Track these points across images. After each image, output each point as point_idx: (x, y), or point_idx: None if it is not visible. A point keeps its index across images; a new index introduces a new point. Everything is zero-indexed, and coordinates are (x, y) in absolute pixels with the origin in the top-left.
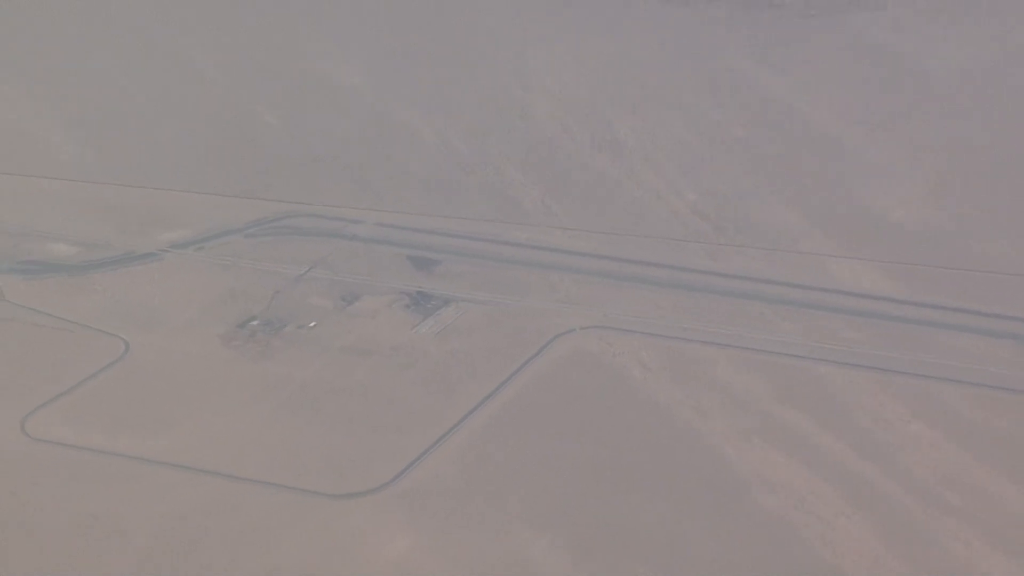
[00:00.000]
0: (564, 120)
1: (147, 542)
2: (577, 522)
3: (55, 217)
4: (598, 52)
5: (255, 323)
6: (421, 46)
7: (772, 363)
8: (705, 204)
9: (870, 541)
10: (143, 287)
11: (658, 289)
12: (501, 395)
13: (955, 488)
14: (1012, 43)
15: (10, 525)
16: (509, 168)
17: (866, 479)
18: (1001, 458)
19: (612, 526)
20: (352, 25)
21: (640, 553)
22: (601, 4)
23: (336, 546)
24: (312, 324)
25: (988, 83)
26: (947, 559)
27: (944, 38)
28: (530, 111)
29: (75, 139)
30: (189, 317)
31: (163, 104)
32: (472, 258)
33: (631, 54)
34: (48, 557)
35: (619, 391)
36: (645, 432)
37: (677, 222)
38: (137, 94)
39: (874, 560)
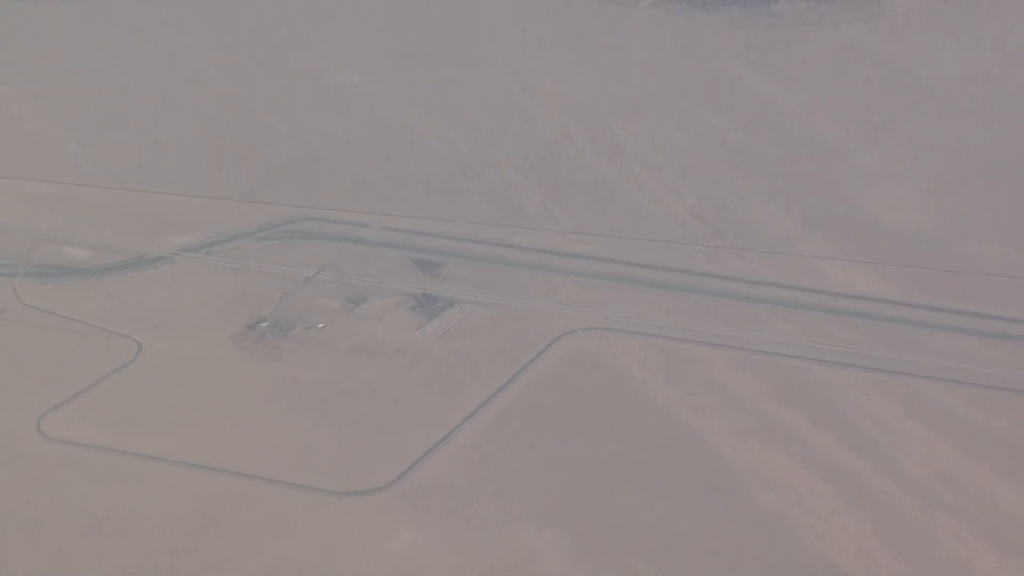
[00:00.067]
0: (565, 125)
1: (160, 537)
2: (577, 519)
3: (69, 222)
4: (598, 57)
5: (264, 325)
6: (424, 51)
7: (769, 363)
8: (703, 207)
9: (865, 537)
10: (155, 290)
11: (657, 291)
12: (504, 395)
13: (948, 485)
14: (1003, 50)
15: (26, 521)
16: (511, 172)
17: (861, 477)
18: (994, 456)
19: (612, 523)
20: (357, 32)
21: (639, 550)
22: (601, 10)
23: (342, 541)
24: (320, 326)
25: (978, 89)
26: (941, 554)
27: (936, 45)
28: (532, 116)
29: (87, 145)
30: (200, 319)
31: (172, 110)
32: (475, 261)
33: (631, 59)
34: (61, 552)
35: (619, 391)
36: (644, 431)
37: (676, 225)
38: (147, 101)
39: (869, 556)
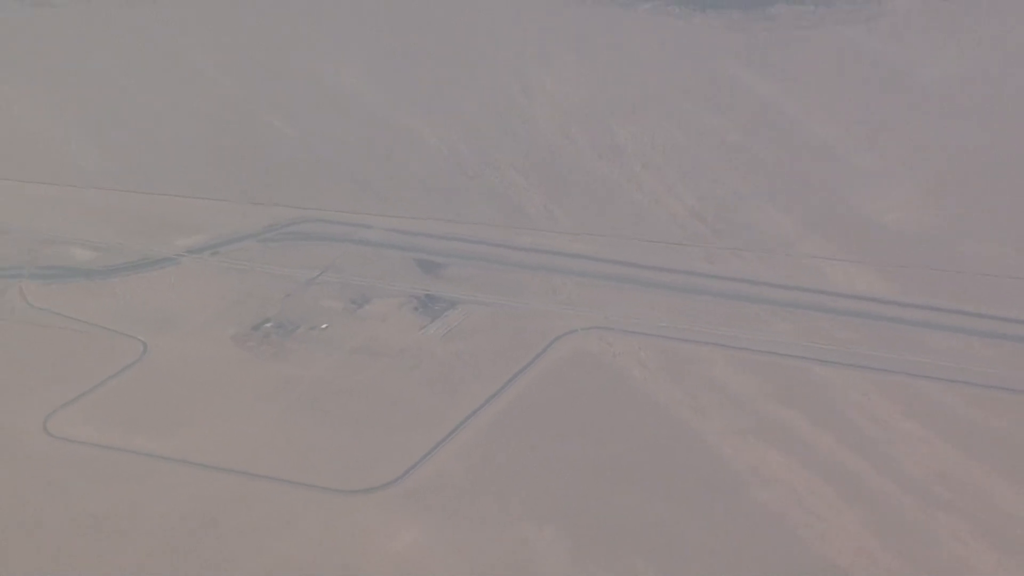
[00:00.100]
0: (565, 126)
1: (162, 535)
2: (578, 518)
3: (75, 223)
4: (598, 59)
5: (269, 325)
6: (426, 53)
7: (768, 363)
8: (703, 208)
9: (864, 536)
10: (160, 291)
11: (657, 291)
12: (505, 395)
13: (947, 484)
14: (1001, 51)
15: (28, 519)
16: (512, 173)
17: (860, 476)
18: (993, 455)
19: (612, 522)
20: (359, 34)
21: (639, 548)
22: (601, 12)
23: (344, 540)
24: (324, 326)
25: (976, 90)
26: (940, 553)
27: (934, 47)
28: (532, 117)
29: (92, 147)
30: (205, 320)
31: (175, 112)
32: (477, 261)
33: (631, 61)
34: (63, 549)
35: (619, 390)
36: (644, 431)
37: (676, 226)
38: (151, 103)
39: (868, 555)
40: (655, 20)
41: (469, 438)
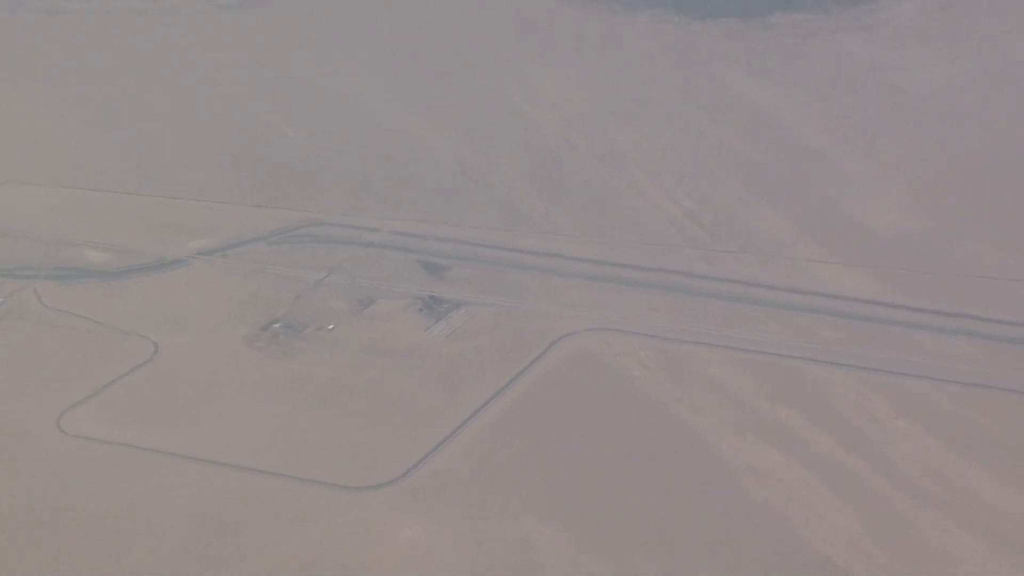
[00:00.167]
0: (567, 132)
1: (178, 529)
2: (579, 513)
3: (89, 226)
4: (599, 67)
5: (277, 325)
6: (432, 64)
7: (763, 362)
8: (701, 212)
9: (855, 530)
10: (172, 292)
11: (655, 292)
12: (508, 393)
13: (936, 480)
14: (993, 60)
15: (43, 514)
16: (515, 178)
17: (852, 471)
18: (979, 451)
19: (613, 518)
20: (369, 46)
21: (639, 543)
22: (602, 21)
23: (353, 534)
24: (331, 326)
25: (964, 100)
26: (928, 546)
27: (928, 56)
28: (534, 124)
29: (107, 152)
30: (215, 320)
31: (190, 119)
32: (480, 264)
33: (631, 68)
34: (76, 544)
35: (619, 389)
36: (643, 428)
37: (673, 229)
38: (165, 110)
39: (859, 547)
40: (655, 28)
41: (473, 436)
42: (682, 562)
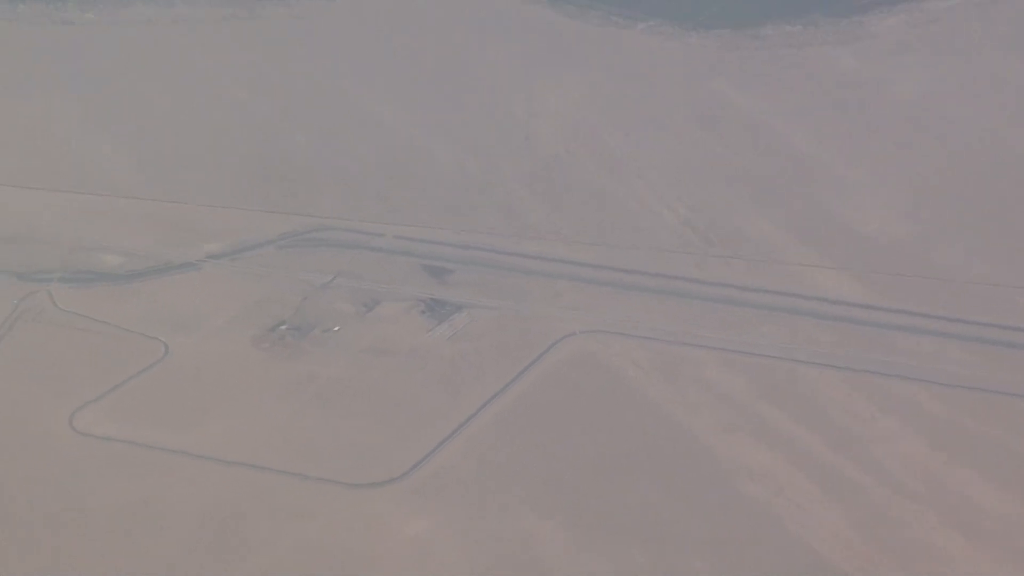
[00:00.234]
0: (566, 141)
1: (188, 525)
2: (579, 510)
3: (102, 230)
4: (598, 78)
5: (284, 327)
6: (437, 75)
7: (755, 364)
8: (695, 218)
9: (842, 525)
10: (182, 294)
11: (652, 296)
12: (508, 393)
13: (918, 476)
14: (973, 74)
15: (57, 511)
16: (515, 185)
17: (839, 469)
18: (962, 450)
19: (610, 514)
20: (376, 59)
21: (636, 538)
22: (600, 34)
23: (359, 528)
24: (336, 328)
25: (949, 110)
26: (912, 541)
27: (912, 68)
28: (535, 133)
29: (121, 158)
30: (224, 322)
31: (203, 127)
32: (482, 268)
33: (628, 79)
34: (88, 541)
35: (616, 390)
36: (640, 428)
37: (669, 235)
38: (179, 118)
39: (845, 542)
40: (651, 39)
41: (474, 434)
42: (678, 556)
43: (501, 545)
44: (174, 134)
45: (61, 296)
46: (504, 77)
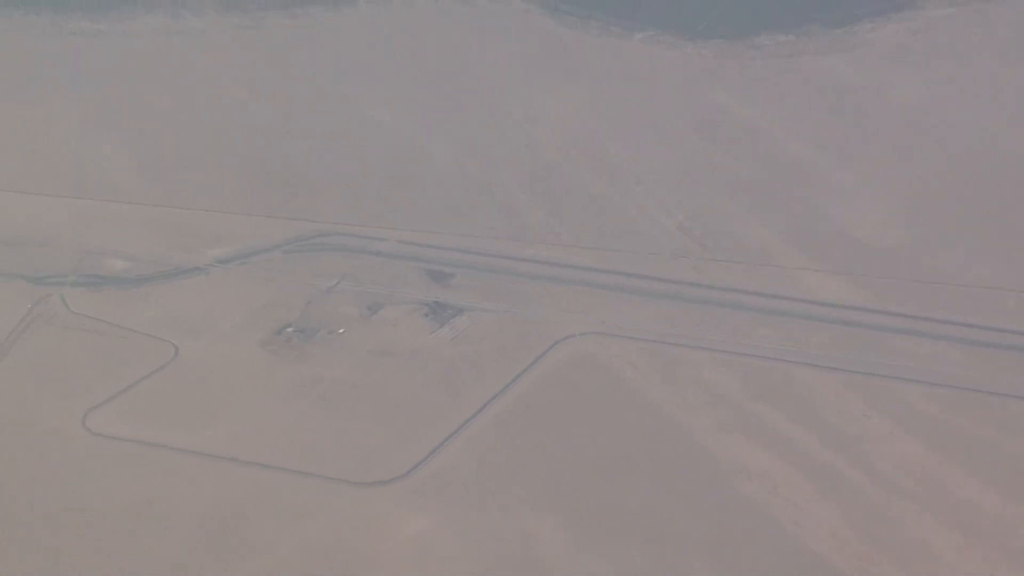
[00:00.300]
0: (566, 148)
1: (196, 521)
2: (578, 509)
3: (114, 235)
4: (596, 86)
5: (291, 330)
6: (439, 83)
7: (750, 365)
8: (692, 223)
9: (835, 521)
10: (191, 298)
11: (649, 299)
12: (508, 394)
13: (911, 475)
14: (965, 80)
15: (70, 508)
16: (516, 191)
17: (832, 467)
18: (955, 449)
19: (609, 513)
20: (380, 67)
21: (634, 537)
22: (598, 43)
23: (361, 525)
24: (341, 331)
25: (941, 117)
26: (903, 537)
27: (905, 76)
28: (535, 140)
29: (132, 165)
30: (232, 325)
31: (210, 133)
32: (483, 272)
33: (626, 87)
34: (100, 537)
35: (614, 390)
36: (637, 426)
37: (666, 239)
38: (188, 126)
39: (838, 537)
40: (650, 49)
41: (475, 434)
42: (676, 555)
43: (501, 545)
44: (184, 141)
45: (73, 300)
46: (505, 86)
